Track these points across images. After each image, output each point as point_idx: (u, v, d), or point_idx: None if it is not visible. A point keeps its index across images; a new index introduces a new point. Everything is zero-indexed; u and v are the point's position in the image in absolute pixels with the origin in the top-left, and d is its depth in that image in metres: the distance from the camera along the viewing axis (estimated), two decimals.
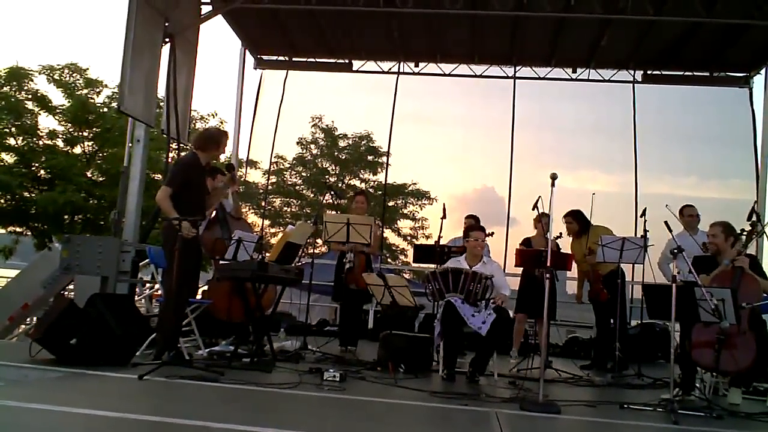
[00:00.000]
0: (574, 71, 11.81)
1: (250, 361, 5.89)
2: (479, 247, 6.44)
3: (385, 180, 20.63)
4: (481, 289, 6.00)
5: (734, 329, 5.21)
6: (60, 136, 18.53)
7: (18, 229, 18.67)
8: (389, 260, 21.84)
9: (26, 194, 17.66)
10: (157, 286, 7.15)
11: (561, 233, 7.55)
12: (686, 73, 11.56)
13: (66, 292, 9.64)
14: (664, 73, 11.66)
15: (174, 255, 5.36)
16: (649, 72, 11.68)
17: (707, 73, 11.50)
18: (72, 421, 3.45)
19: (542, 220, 7.30)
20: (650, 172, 12.52)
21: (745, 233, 5.90)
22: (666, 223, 5.45)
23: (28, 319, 10.24)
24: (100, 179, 18.48)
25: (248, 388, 4.76)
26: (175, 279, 5.36)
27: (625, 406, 5.07)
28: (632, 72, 11.72)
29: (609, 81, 11.87)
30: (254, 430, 3.51)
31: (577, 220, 7.58)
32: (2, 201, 17.60)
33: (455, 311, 5.89)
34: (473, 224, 7.22)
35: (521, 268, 7.78)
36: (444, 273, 6.12)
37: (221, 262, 6.53)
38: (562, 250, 7.50)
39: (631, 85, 11.85)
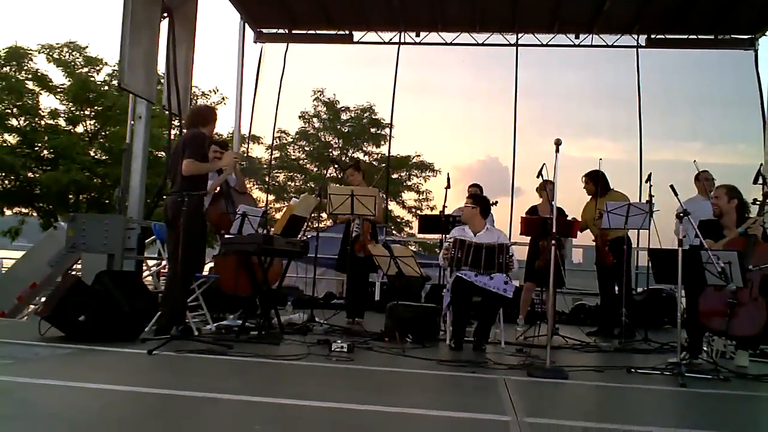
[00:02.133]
0: (577, 37, 11.69)
1: (258, 334, 5.92)
2: (467, 214, 6.44)
3: (389, 152, 20.55)
4: (509, 260, 6.04)
5: (745, 294, 5.21)
6: (62, 115, 18.49)
7: (24, 210, 18.74)
8: (394, 232, 21.86)
9: (30, 174, 17.68)
10: (164, 262, 7.16)
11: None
12: (690, 37, 11.42)
13: (73, 271, 9.69)
14: (668, 37, 11.52)
15: (179, 229, 5.36)
16: (652, 36, 11.54)
17: (712, 36, 11.35)
18: (83, 396, 3.48)
19: (546, 188, 7.28)
20: (655, 139, 12.42)
21: (758, 202, 5.86)
22: (672, 186, 5.38)
23: (37, 298, 10.30)
24: (103, 158, 18.48)
25: (257, 360, 4.79)
26: (181, 254, 5.37)
27: (633, 370, 5.10)
28: (636, 37, 11.59)
29: (612, 46, 11.74)
30: (264, 400, 3.54)
31: (593, 181, 7.54)
32: (7, 182, 17.64)
33: (466, 284, 5.89)
34: (472, 193, 7.29)
35: (529, 237, 7.78)
36: (471, 246, 6.03)
37: (226, 236, 6.54)
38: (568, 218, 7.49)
39: (635, 50, 11.72)
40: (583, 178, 7.65)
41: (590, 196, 7.61)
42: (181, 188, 5.56)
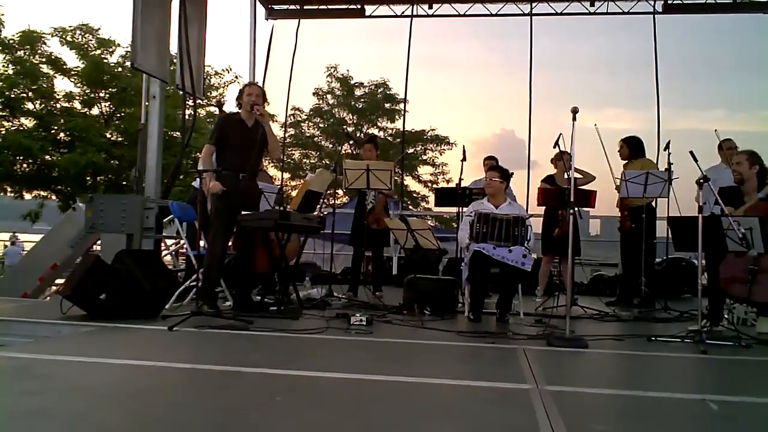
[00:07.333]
0: (592, 5, 11.51)
1: (278, 309, 5.95)
2: (490, 186, 6.39)
3: (403, 127, 20.46)
4: (525, 233, 5.98)
5: (767, 260, 5.14)
6: (76, 98, 18.60)
7: (42, 193, 18.93)
8: (410, 207, 21.84)
9: (47, 158, 17.84)
10: (182, 241, 7.19)
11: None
12: (708, 1, 11.19)
13: (93, 252, 9.78)
14: (685, 1, 11.31)
15: (215, 211, 5.70)
16: (669, 2, 11.33)
17: (730, 0, 11.11)
18: (105, 370, 3.51)
19: (563, 158, 7.21)
20: (674, 108, 12.25)
21: None
22: (692, 152, 5.29)
23: (58, 279, 10.43)
24: (119, 139, 18.60)
25: (277, 334, 4.81)
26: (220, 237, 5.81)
27: (653, 338, 5.07)
28: (652, 2, 11.38)
29: (629, 13, 11.55)
30: (285, 373, 3.56)
31: (627, 145, 7.49)
32: (25, 166, 17.82)
33: (484, 257, 5.87)
34: (492, 165, 7.21)
35: (543, 209, 7.73)
36: (494, 219, 5.98)
37: (243, 213, 6.55)
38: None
39: (652, 16, 11.51)
40: (619, 142, 7.58)
41: (624, 161, 7.55)
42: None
